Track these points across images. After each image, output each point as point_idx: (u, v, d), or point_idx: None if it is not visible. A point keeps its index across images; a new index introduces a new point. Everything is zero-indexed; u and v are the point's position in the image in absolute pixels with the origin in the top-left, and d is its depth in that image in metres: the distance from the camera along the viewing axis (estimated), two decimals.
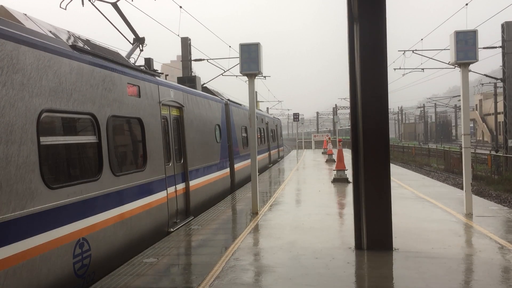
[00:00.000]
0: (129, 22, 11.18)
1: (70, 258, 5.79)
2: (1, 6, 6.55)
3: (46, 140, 5.55)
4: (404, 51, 26.62)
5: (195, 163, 11.11)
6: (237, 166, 16.08)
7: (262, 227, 8.78)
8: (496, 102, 43.57)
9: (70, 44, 6.67)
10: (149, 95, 8.74)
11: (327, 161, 25.59)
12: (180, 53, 24.85)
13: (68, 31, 7.58)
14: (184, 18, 18.27)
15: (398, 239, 7.12)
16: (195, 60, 24.68)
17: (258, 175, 19.85)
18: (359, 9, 6.81)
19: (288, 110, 79.01)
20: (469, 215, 9.14)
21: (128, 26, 11.26)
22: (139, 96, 8.31)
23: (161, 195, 8.86)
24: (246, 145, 17.69)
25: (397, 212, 8.73)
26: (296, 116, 41.81)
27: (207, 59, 24.34)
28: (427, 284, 5.36)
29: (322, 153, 34.76)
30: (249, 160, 15.48)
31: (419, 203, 10.82)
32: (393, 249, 6.79)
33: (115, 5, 10.74)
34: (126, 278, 5.91)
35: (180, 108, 10.54)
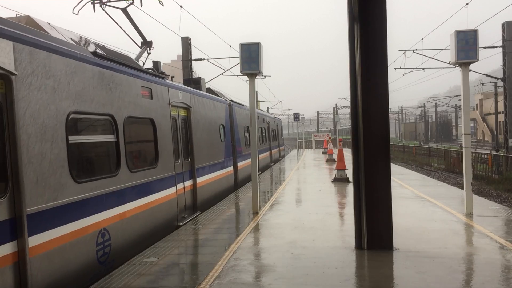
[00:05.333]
0: (137, 26, 11.63)
1: (94, 246, 6.33)
2: (28, 16, 7.06)
3: (73, 139, 6.11)
4: (405, 50, 26.62)
5: (201, 161, 11.59)
6: (240, 164, 16.38)
7: (262, 226, 8.78)
8: (496, 102, 43.55)
9: (91, 51, 7.18)
10: (160, 97, 9.26)
11: (327, 160, 25.59)
12: (180, 53, 24.83)
13: (86, 38, 8.07)
14: (184, 18, 18.27)
15: (398, 239, 7.12)
16: (196, 59, 24.67)
17: (260, 173, 20.12)
18: (359, 9, 6.80)
19: (289, 109, 78.98)
20: (469, 214, 9.14)
21: (136, 30, 11.71)
22: (151, 98, 8.84)
23: (171, 191, 9.34)
24: (248, 144, 18.04)
25: (397, 212, 8.73)
26: (296, 116, 41.79)
27: (208, 59, 24.34)
28: (427, 283, 5.36)
29: (323, 152, 34.75)
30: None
31: (420, 203, 10.82)
32: (394, 248, 6.79)
33: (124, 11, 11.21)
34: (126, 278, 5.91)
35: (187, 108, 11.07)
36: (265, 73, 29.49)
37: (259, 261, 6.52)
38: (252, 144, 10.38)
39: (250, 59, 9.83)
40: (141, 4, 11.44)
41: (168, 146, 9.39)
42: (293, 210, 10.42)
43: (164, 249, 7.32)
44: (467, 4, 20.05)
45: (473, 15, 21.46)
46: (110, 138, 7.14)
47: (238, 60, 11.18)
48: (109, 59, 7.49)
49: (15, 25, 5.50)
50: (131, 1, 11.23)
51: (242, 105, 18.65)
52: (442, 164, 32.03)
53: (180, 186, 9.92)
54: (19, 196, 4.97)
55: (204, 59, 24.52)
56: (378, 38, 6.78)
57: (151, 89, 8.85)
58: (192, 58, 24.57)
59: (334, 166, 16.76)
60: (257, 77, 10.55)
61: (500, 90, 39.97)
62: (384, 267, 6.12)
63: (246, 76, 10.78)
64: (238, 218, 9.84)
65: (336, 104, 75.25)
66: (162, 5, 12.94)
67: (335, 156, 22.91)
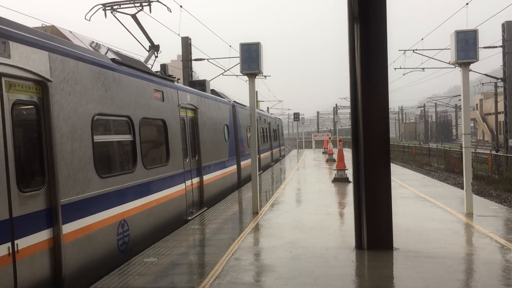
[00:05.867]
0: (146, 31, 12.14)
1: (115, 236, 7.01)
2: (53, 25, 7.56)
3: (97, 138, 6.77)
4: (405, 50, 26.61)
5: (207, 159, 12.21)
6: (243, 163, 16.82)
7: (262, 226, 8.78)
8: (496, 102, 43.55)
9: (111, 58, 7.78)
10: (170, 99, 9.88)
11: (327, 160, 25.59)
12: (180, 53, 24.82)
13: (102, 44, 8.70)
14: (184, 18, 18.27)
15: (398, 239, 7.12)
16: (196, 59, 24.66)
17: (261, 172, 20.43)
18: (360, 9, 6.80)
19: (289, 109, 78.91)
20: (469, 214, 9.14)
21: (145, 35, 12.23)
22: (163, 100, 9.47)
23: (180, 187, 9.97)
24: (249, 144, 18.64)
25: (397, 212, 8.73)
26: (296, 116, 41.79)
27: (208, 59, 24.33)
28: (427, 283, 5.36)
29: (323, 152, 34.74)
30: None
31: (420, 203, 10.82)
32: (394, 248, 6.79)
33: (134, 17, 11.79)
34: (126, 278, 5.91)
35: (195, 110, 11.66)
36: (265, 73, 29.49)
37: (259, 261, 6.52)
38: (252, 144, 10.38)
39: (250, 59, 9.83)
40: (150, 11, 11.92)
41: (178, 145, 10.01)
42: (293, 210, 10.42)
43: (164, 249, 7.32)
44: (467, 4, 20.05)
45: (473, 15, 21.45)
46: (128, 137, 7.80)
47: (238, 60, 11.20)
48: (126, 65, 8.16)
49: (48, 36, 6.11)
50: (140, 8, 11.76)
51: (245, 106, 18.95)
52: (442, 164, 32.02)
53: (188, 183, 10.53)
54: (54, 188, 5.61)
55: (204, 59, 24.51)
56: (378, 38, 6.78)
57: (162, 92, 9.45)
58: (192, 58, 24.56)
59: (334, 166, 16.76)
60: (257, 77, 10.55)
61: (500, 90, 39.99)
62: (384, 267, 6.12)
63: (246, 76, 10.78)
64: (238, 218, 9.84)
65: (336, 104, 75.28)
66: (170, 11, 13.66)
67: (335, 156, 22.91)
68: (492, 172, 24.01)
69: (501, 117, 33.49)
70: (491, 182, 22.80)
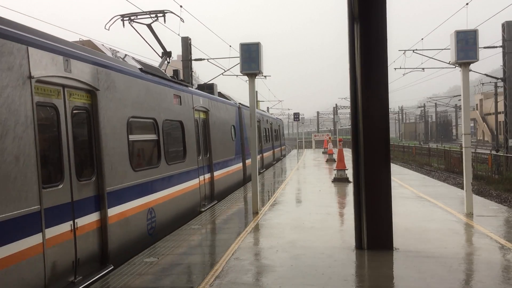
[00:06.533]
0: (159, 39, 13.23)
1: (145, 221, 8.12)
2: (89, 40, 8.54)
3: (131, 137, 7.86)
4: (405, 50, 26.61)
5: (217, 157, 13.28)
6: (248, 161, 17.55)
7: (262, 226, 8.78)
8: (496, 102, 43.56)
9: (139, 67, 8.89)
10: (186, 103, 10.99)
11: (327, 160, 25.59)
12: (180, 53, 24.82)
13: (127, 54, 9.60)
14: (184, 18, 18.25)
15: (398, 239, 7.12)
16: (196, 59, 24.66)
17: (264, 170, 20.84)
18: (360, 9, 6.80)
19: (289, 109, 78.89)
20: (469, 214, 9.14)
21: (158, 42, 13.35)
22: (180, 104, 10.56)
23: (195, 181, 11.10)
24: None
25: (397, 212, 8.73)
26: (296, 116, 41.80)
27: (208, 59, 24.34)
28: (427, 283, 5.36)
29: (323, 152, 34.74)
30: (258, 156, 19.97)
31: (420, 203, 10.82)
32: (394, 248, 6.79)
33: (149, 26, 12.79)
34: (126, 278, 5.91)
35: (206, 112, 12.77)
36: (265, 73, 29.46)
37: (259, 261, 6.52)
38: (252, 144, 10.39)
39: (250, 59, 9.83)
40: (164, 21, 12.88)
41: (193, 144, 11.10)
42: (293, 210, 10.42)
43: (164, 249, 7.32)
44: (467, 4, 20.05)
45: (473, 15, 21.46)
46: (153, 137, 8.91)
47: (238, 60, 11.21)
48: (150, 73, 9.24)
49: (94, 52, 7.22)
50: (155, 18, 12.74)
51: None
52: (442, 164, 32.02)
53: (201, 178, 11.64)
54: (101, 179, 6.77)
55: (204, 59, 24.51)
56: (378, 38, 6.78)
57: (180, 97, 10.55)
58: (192, 58, 24.56)
59: (334, 166, 16.76)
60: (257, 77, 10.55)
61: (500, 90, 39.97)
62: (384, 267, 6.12)
63: (246, 76, 10.79)
64: (238, 218, 9.83)
65: (336, 104, 75.27)
66: (183, 21, 14.74)
67: (335, 156, 22.91)
68: (492, 172, 24.01)
69: (501, 117, 33.49)
70: (491, 182, 22.80)
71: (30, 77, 5.31)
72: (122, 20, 12.55)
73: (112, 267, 6.64)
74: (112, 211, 6.95)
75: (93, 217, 6.51)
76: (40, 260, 5.22)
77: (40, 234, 5.26)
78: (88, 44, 8.18)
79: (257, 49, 9.83)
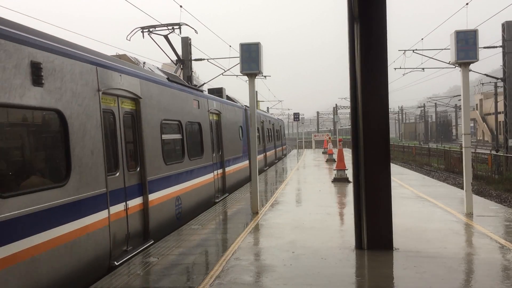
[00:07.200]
0: (174, 48, 14.83)
1: (174, 206, 9.53)
2: (125, 54, 9.85)
3: (164, 137, 9.28)
4: (405, 50, 26.57)
5: (228, 155, 14.76)
6: None
7: (262, 226, 8.78)
8: (496, 102, 43.54)
9: (166, 77, 10.32)
10: (203, 107, 12.45)
11: (327, 160, 25.59)
12: (180, 53, 24.77)
13: (153, 65, 10.80)
14: (184, 18, 18.29)
15: (398, 239, 7.12)
16: (196, 59, 24.63)
17: (268, 168, 21.79)
18: (360, 9, 6.79)
19: (289, 109, 78.78)
20: (469, 214, 9.14)
21: (173, 51, 14.80)
22: (199, 108, 12.01)
23: (211, 175, 12.52)
24: (259, 142, 21.96)
25: (397, 212, 8.72)
26: (296, 116, 41.79)
27: (207, 59, 24.32)
28: (427, 283, 5.36)
29: (323, 152, 34.74)
30: (262, 155, 22.68)
31: (420, 203, 10.82)
32: (394, 248, 6.79)
33: (166, 37, 14.51)
34: (126, 278, 5.91)
35: (218, 114, 14.23)
36: (265, 73, 29.46)
37: (259, 261, 6.52)
38: (251, 144, 10.39)
39: (250, 59, 9.83)
40: (180, 32, 14.53)
41: (209, 142, 12.52)
42: (293, 210, 10.43)
43: (164, 249, 7.32)
44: (467, 4, 20.04)
45: (473, 15, 21.45)
46: (179, 136, 10.38)
47: (238, 60, 11.20)
48: (175, 82, 10.67)
49: (135, 66, 8.75)
50: (172, 30, 14.33)
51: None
52: (442, 164, 32.01)
53: (215, 172, 13.04)
54: (143, 170, 8.20)
55: (204, 59, 24.48)
56: (378, 38, 6.78)
57: (198, 101, 11.99)
58: (192, 58, 24.53)
59: (334, 166, 16.76)
60: (257, 77, 10.55)
61: (500, 90, 39.96)
62: (384, 267, 6.13)
63: (246, 76, 10.78)
64: (238, 218, 9.83)
65: (336, 104, 75.16)
66: (197, 33, 15.74)
67: (335, 156, 22.91)
68: (492, 172, 24.00)
69: (501, 117, 33.48)
70: (491, 182, 22.80)
71: (99, 89, 6.77)
72: (142, 31, 14.07)
73: (153, 241, 7.99)
74: (152, 197, 8.35)
75: (138, 200, 7.98)
76: (107, 231, 6.69)
77: (107, 210, 6.74)
78: (124, 58, 9.47)
79: (257, 49, 9.84)
